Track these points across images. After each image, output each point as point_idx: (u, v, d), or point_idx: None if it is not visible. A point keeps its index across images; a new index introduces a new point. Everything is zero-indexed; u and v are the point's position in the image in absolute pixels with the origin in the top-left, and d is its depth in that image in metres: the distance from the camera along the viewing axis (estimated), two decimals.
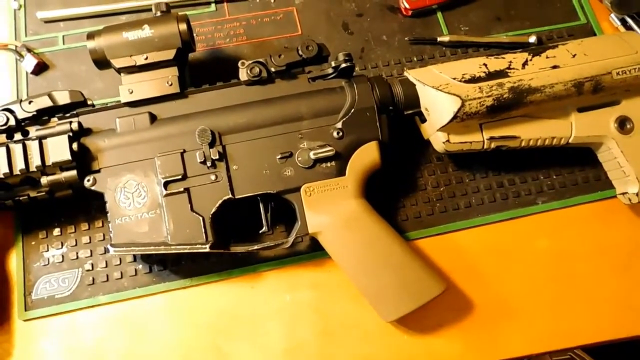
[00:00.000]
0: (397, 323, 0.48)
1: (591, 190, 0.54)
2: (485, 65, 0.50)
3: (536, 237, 0.52)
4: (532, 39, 0.59)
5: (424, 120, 0.51)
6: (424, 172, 0.54)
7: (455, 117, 0.48)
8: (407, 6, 0.59)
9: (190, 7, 0.60)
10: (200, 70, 0.56)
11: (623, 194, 0.52)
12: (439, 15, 0.61)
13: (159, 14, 0.49)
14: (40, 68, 0.56)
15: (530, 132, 0.51)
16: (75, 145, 0.45)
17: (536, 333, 0.49)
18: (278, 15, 0.60)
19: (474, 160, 0.54)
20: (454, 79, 0.49)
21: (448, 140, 0.49)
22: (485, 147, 0.50)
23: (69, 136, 0.45)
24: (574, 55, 0.51)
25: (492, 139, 0.50)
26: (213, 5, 0.60)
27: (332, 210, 0.47)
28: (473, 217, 0.53)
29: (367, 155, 0.48)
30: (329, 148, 0.47)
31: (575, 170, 0.55)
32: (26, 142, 0.45)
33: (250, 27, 0.59)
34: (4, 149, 0.44)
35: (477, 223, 0.53)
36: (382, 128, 0.49)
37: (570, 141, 0.51)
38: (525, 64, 0.50)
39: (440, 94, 0.48)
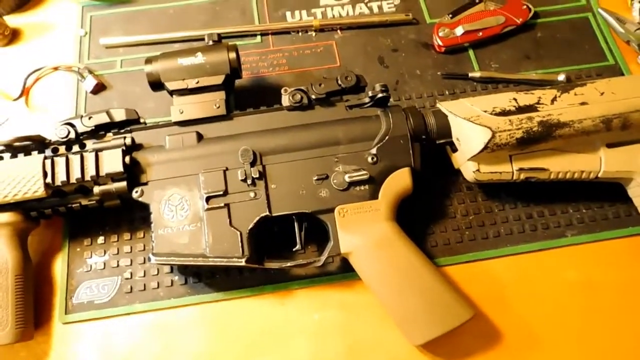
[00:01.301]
0: (424, 348, 0.48)
1: (622, 226, 0.54)
2: (515, 99, 0.52)
3: (565, 270, 0.53)
4: (561, 77, 0.61)
5: (455, 150, 0.53)
6: (454, 201, 0.56)
7: (485, 147, 0.49)
8: (441, 43, 0.63)
9: (239, 37, 0.65)
10: (245, 96, 0.60)
11: None
12: (471, 52, 0.64)
13: (211, 43, 0.53)
14: (99, 88, 0.61)
15: (559, 165, 0.52)
16: (127, 159, 0.48)
17: None
18: (319, 48, 0.64)
19: (503, 190, 0.56)
20: (485, 111, 0.51)
21: (478, 170, 0.51)
22: (514, 177, 0.52)
23: (122, 150, 0.48)
24: (602, 93, 0.52)
25: (521, 170, 0.51)
26: (259, 37, 0.65)
27: (364, 231, 0.48)
28: (502, 246, 0.54)
29: (399, 180, 0.50)
30: (364, 172, 0.49)
31: (605, 204, 0.55)
32: (83, 153, 0.49)
33: (292, 58, 0.64)
34: (63, 159, 0.48)
35: (506, 253, 0.53)
36: (415, 155, 0.51)
37: (599, 176, 0.52)
38: (554, 99, 0.52)
39: (472, 125, 0.50)
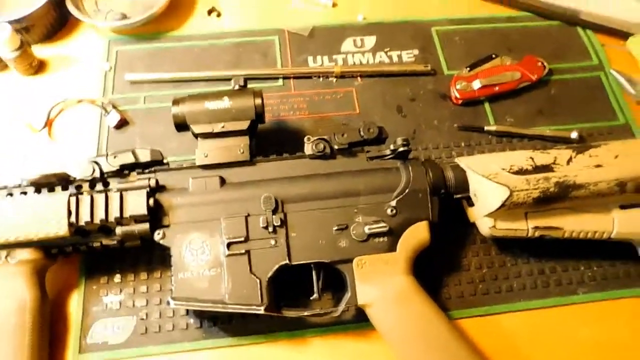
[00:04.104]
0: None
1: (633, 285, 0.55)
2: (532, 158, 0.53)
3: (577, 327, 0.53)
4: (574, 135, 0.63)
5: (471, 204, 0.54)
6: (468, 253, 0.56)
7: (503, 205, 0.50)
8: (458, 96, 0.64)
9: (262, 80, 0.66)
10: (265, 138, 0.61)
11: None
12: (487, 105, 0.66)
13: (237, 87, 0.54)
14: (122, 123, 0.62)
15: (573, 225, 0.53)
16: (151, 201, 0.49)
17: None
18: (338, 95, 0.66)
19: (516, 245, 0.57)
20: (503, 169, 0.52)
21: (494, 226, 0.52)
22: (529, 235, 0.52)
23: (146, 192, 0.49)
24: (616, 156, 0.54)
25: (536, 228, 0.52)
26: (281, 80, 0.66)
27: (382, 284, 0.49)
28: (514, 301, 0.54)
29: (417, 233, 0.51)
30: (383, 224, 0.50)
31: (617, 263, 0.56)
32: (108, 193, 0.49)
33: (312, 103, 0.65)
34: (88, 198, 0.48)
35: (519, 308, 0.54)
36: (433, 209, 0.51)
37: (612, 236, 0.53)
38: (569, 160, 0.53)
39: (490, 183, 0.51)
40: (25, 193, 0.49)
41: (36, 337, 0.46)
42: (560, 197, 0.52)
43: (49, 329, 0.49)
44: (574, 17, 0.71)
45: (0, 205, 0.48)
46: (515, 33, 0.72)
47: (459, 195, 0.53)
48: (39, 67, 0.67)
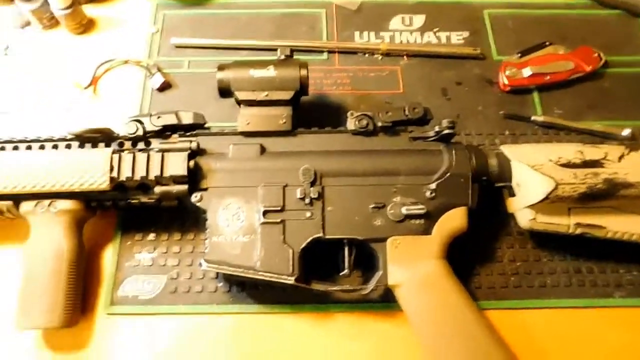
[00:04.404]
0: None
1: None
2: (581, 152, 0.51)
3: (608, 331, 0.51)
4: (626, 132, 0.60)
5: (512, 194, 0.52)
6: (503, 244, 0.55)
7: (546, 197, 0.49)
8: (506, 82, 0.62)
9: (307, 52, 0.65)
10: (306, 111, 0.60)
11: None
12: (535, 95, 0.63)
13: (282, 57, 0.54)
14: (165, 86, 0.62)
15: (617, 225, 0.51)
16: (191, 163, 0.49)
17: None
18: (383, 72, 0.64)
19: (554, 240, 0.55)
20: (550, 160, 0.50)
21: (535, 219, 0.50)
22: (570, 231, 0.51)
23: (187, 154, 0.49)
24: None
25: (578, 225, 0.50)
26: (326, 54, 0.66)
27: (414, 266, 0.48)
28: (546, 298, 0.53)
29: (455, 219, 0.50)
30: (421, 206, 0.49)
31: None
32: (150, 152, 0.49)
33: (356, 79, 0.64)
34: (130, 156, 0.49)
35: (550, 305, 0.52)
36: (473, 195, 0.50)
37: None
38: (621, 157, 0.51)
39: (535, 174, 0.49)
40: (69, 147, 0.50)
41: (71, 284, 0.48)
42: (608, 195, 0.50)
43: (83, 278, 0.51)
44: (637, 7, 0.67)
45: (45, 156, 0.49)
46: (571, 21, 0.69)
47: (500, 184, 0.52)
48: (88, 26, 0.68)
